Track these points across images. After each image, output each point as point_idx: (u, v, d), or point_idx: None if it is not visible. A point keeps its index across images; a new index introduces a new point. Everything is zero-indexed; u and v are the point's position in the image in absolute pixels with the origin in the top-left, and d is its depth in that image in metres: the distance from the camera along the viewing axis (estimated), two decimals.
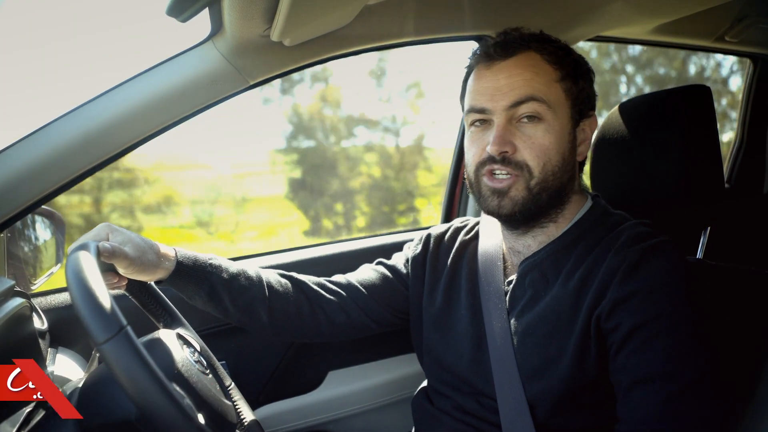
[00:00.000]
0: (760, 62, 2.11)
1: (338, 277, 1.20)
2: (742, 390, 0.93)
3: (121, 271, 0.92)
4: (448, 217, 1.88)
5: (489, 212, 0.98)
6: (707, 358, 0.84)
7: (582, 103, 0.98)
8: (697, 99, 1.08)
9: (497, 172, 0.94)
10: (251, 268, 1.09)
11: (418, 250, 1.18)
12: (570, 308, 0.91)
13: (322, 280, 1.18)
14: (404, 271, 1.19)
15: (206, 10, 1.01)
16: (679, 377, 0.81)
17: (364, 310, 1.15)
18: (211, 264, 1.03)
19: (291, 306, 1.10)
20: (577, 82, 0.97)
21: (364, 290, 1.16)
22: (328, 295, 1.14)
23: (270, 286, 1.09)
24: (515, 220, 0.98)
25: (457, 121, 1.70)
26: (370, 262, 1.25)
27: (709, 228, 1.27)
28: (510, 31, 0.97)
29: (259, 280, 1.08)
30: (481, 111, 0.96)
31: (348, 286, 1.17)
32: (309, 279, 1.16)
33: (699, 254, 1.28)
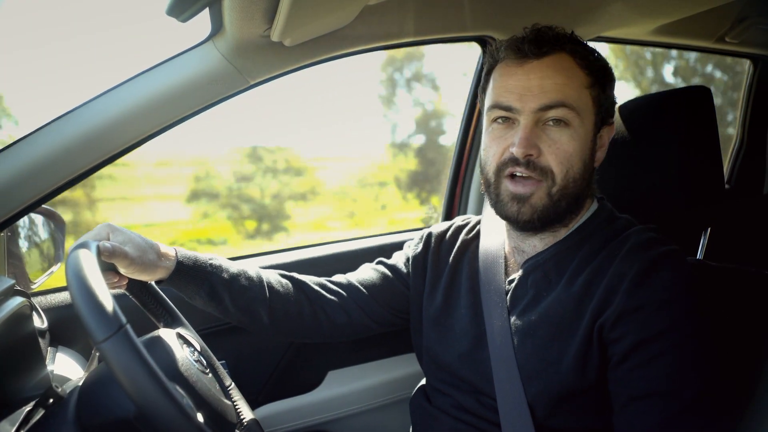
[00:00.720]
0: (760, 63, 2.12)
1: (339, 277, 1.19)
2: (742, 390, 0.93)
3: (121, 270, 0.92)
4: (448, 216, 1.88)
5: (507, 218, 0.96)
6: (711, 375, 0.83)
7: (606, 111, 0.97)
8: (697, 100, 1.08)
9: (519, 174, 0.91)
10: (252, 268, 1.09)
11: (418, 249, 1.18)
12: (572, 312, 0.90)
13: (322, 280, 1.17)
14: (405, 270, 1.19)
15: (206, 10, 1.02)
16: (681, 396, 0.81)
17: (365, 310, 1.15)
18: (211, 264, 1.03)
19: (292, 306, 1.10)
20: (605, 90, 0.96)
21: (364, 290, 1.16)
22: (329, 296, 1.14)
23: (271, 287, 1.09)
24: (533, 227, 0.96)
25: None
26: (370, 262, 1.25)
27: (709, 229, 1.27)
28: (543, 29, 0.94)
29: (260, 280, 1.08)
30: (507, 109, 0.92)
31: (349, 286, 1.17)
32: (310, 279, 1.16)
33: (699, 255, 1.28)
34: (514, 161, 0.91)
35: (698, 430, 0.81)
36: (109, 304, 0.67)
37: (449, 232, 1.18)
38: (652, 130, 1.08)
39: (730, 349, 0.98)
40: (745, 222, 1.65)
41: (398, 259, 1.22)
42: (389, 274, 1.19)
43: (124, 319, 0.66)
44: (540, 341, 0.92)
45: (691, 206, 1.08)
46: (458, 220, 1.22)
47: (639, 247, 0.89)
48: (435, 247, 1.17)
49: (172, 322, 1.04)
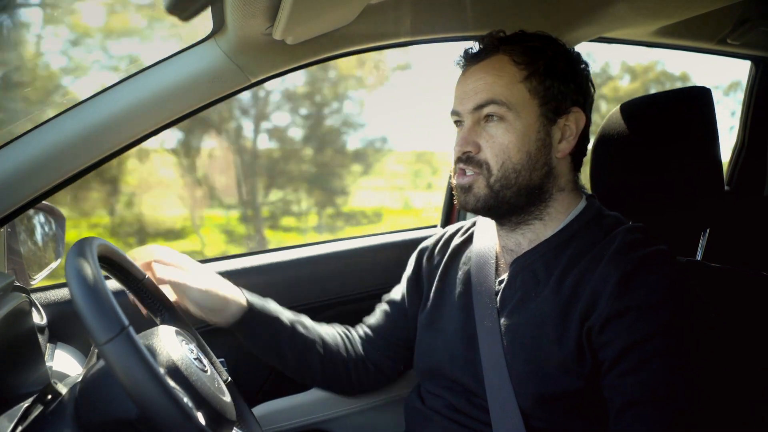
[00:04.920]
0: (761, 65, 2.12)
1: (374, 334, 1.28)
2: (740, 392, 0.94)
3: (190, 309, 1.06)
4: (447, 219, 1.87)
5: (460, 207, 1.06)
6: (703, 379, 0.82)
7: (555, 101, 0.97)
8: (697, 100, 1.08)
9: (464, 169, 0.99)
10: (308, 322, 1.20)
11: (410, 272, 1.23)
12: (560, 313, 0.90)
13: (365, 333, 1.27)
14: (403, 302, 1.24)
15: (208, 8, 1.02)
16: (673, 402, 0.80)
17: (395, 360, 1.28)
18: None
19: (340, 367, 1.24)
20: (544, 81, 0.97)
21: (404, 347, 1.25)
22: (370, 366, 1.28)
23: (325, 343, 1.20)
24: (487, 215, 1.03)
25: None
26: (369, 260, 1.26)
27: (708, 229, 1.27)
28: (485, 36, 1.01)
29: (316, 341, 1.20)
30: (455, 114, 1.02)
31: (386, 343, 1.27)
32: (357, 338, 1.27)
33: (698, 256, 1.28)
34: (458, 159, 1.00)
35: None
36: (110, 304, 0.66)
37: (439, 244, 1.22)
38: (652, 130, 1.08)
39: (728, 351, 0.98)
40: (745, 223, 1.65)
41: (396, 294, 1.28)
42: (394, 313, 1.25)
43: (126, 321, 0.66)
44: (528, 341, 0.93)
45: (690, 207, 1.08)
46: (450, 229, 1.24)
47: (625, 249, 0.89)
48: (426, 261, 1.21)
49: (169, 318, 1.04)
